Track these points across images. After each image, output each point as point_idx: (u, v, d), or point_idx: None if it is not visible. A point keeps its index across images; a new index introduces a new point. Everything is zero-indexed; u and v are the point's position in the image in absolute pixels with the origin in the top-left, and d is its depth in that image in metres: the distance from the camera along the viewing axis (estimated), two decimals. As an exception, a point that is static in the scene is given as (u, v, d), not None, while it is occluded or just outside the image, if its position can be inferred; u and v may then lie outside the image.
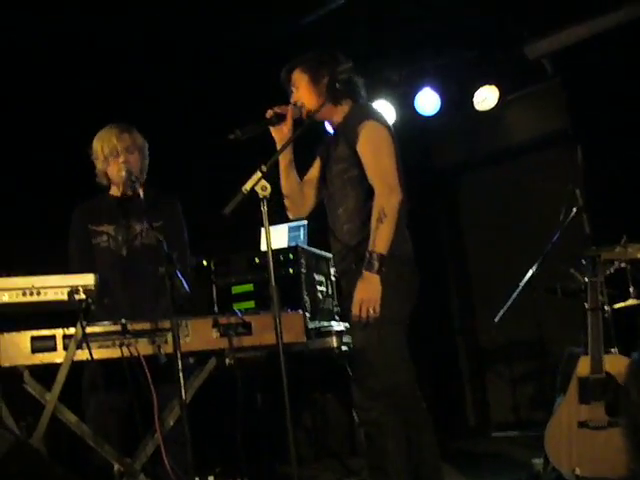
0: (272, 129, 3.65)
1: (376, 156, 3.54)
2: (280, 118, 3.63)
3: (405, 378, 3.57)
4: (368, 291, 3.41)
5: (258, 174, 3.18)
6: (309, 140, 3.74)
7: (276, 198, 3.51)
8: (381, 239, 3.41)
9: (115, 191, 4.04)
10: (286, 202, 3.81)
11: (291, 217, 3.89)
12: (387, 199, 3.46)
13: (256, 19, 5.65)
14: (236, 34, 5.72)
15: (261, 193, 3.18)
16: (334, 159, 3.68)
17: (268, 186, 3.18)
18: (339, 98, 3.69)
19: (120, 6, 5.14)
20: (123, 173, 3.86)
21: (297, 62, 3.76)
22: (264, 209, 3.22)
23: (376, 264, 3.39)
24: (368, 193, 3.54)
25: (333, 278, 5.14)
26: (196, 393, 3.62)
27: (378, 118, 3.66)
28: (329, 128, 3.87)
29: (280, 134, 3.65)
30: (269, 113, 3.63)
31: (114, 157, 3.93)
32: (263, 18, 5.66)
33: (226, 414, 3.85)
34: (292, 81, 3.75)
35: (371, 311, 3.41)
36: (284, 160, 3.69)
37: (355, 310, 3.44)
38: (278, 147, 3.65)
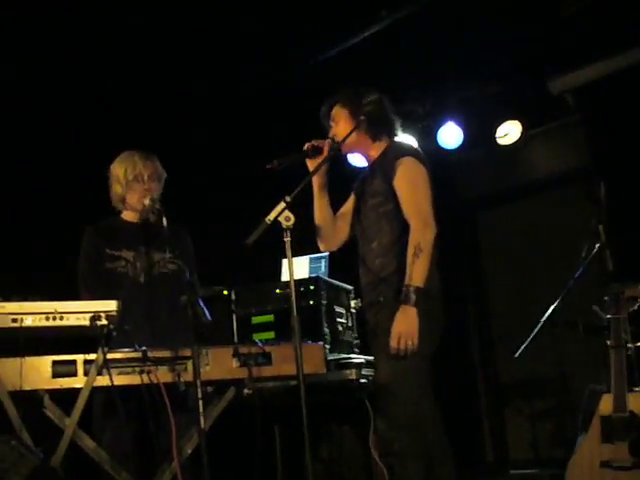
0: (308, 161, 3.74)
1: (413, 191, 3.64)
2: (317, 151, 3.72)
3: (429, 411, 3.57)
4: (407, 324, 3.46)
5: (282, 204, 3.20)
6: (344, 177, 3.82)
7: (299, 229, 3.54)
8: (417, 273, 3.48)
9: (131, 217, 4.05)
10: (318, 234, 3.88)
11: (322, 249, 4.03)
12: (422, 234, 3.53)
13: (273, 54, 5.70)
14: (252, 71, 5.77)
15: (284, 223, 3.20)
16: (370, 193, 3.76)
17: (292, 216, 3.20)
18: (378, 134, 3.81)
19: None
20: (147, 201, 3.87)
21: (338, 97, 3.86)
22: (287, 239, 3.23)
23: (413, 297, 3.45)
24: (403, 228, 3.62)
25: (353, 310, 5.12)
26: (215, 422, 3.60)
27: (416, 154, 3.75)
28: (363, 163, 3.93)
29: (315, 166, 3.72)
30: (307, 145, 3.72)
31: (138, 183, 3.95)
32: (280, 54, 5.70)
33: (244, 444, 3.84)
34: (332, 116, 3.84)
35: (409, 343, 3.45)
36: (319, 192, 3.81)
37: (394, 343, 3.47)
38: (313, 181, 3.75)
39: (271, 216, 3.18)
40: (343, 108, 3.80)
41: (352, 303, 5.11)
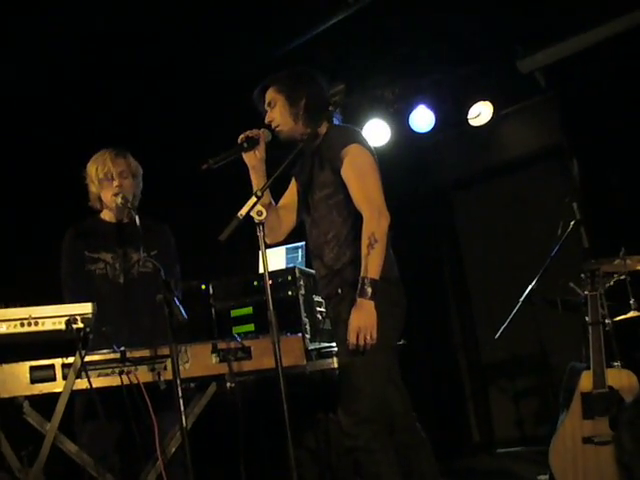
0: (244, 155, 3.57)
1: (362, 180, 3.49)
2: (253, 142, 3.55)
3: (397, 401, 3.55)
4: (364, 318, 3.34)
5: (253, 199, 3.18)
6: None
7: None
8: (373, 264, 3.35)
9: (108, 216, 4.02)
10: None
11: (268, 242, 3.73)
12: (377, 223, 3.40)
13: (245, 40, 5.66)
14: (220, 58, 5.73)
15: (257, 218, 3.17)
16: (317, 185, 3.60)
17: (264, 210, 3.18)
18: (317, 120, 3.60)
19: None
20: (119, 200, 3.84)
21: (273, 80, 3.66)
22: (260, 234, 3.22)
23: (369, 290, 3.33)
24: (355, 218, 3.50)
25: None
26: (199, 418, 3.60)
27: (361, 141, 3.58)
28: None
29: (253, 160, 3.57)
30: (241, 138, 3.55)
31: (108, 181, 3.92)
32: (252, 40, 5.66)
33: (228, 438, 3.84)
34: (266, 100, 3.66)
35: (368, 338, 3.34)
36: (258, 183, 3.59)
37: (352, 338, 3.36)
38: (251, 173, 3.59)
39: (243, 211, 3.15)
40: (279, 93, 3.62)
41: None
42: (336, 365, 4.57)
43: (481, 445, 7.10)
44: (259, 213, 3.16)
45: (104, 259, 3.93)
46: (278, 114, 3.62)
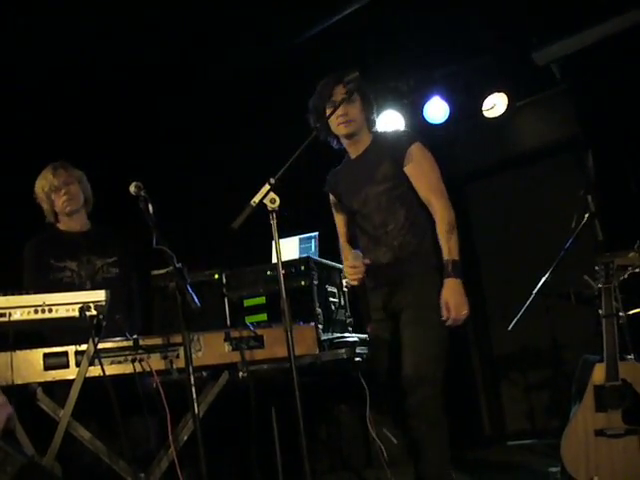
0: None
1: (430, 175, 3.84)
2: None
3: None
4: (456, 295, 3.64)
5: (267, 187, 3.18)
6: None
7: (288, 210, 3.51)
8: (454, 247, 3.69)
9: (67, 226, 4.28)
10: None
11: None
12: (450, 212, 3.77)
13: (256, 35, 5.66)
14: (237, 49, 5.73)
15: (270, 206, 3.18)
16: (375, 179, 3.83)
17: (277, 198, 3.18)
18: (374, 122, 3.96)
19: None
20: (68, 208, 4.18)
21: (349, 77, 3.74)
22: (273, 222, 3.22)
23: (456, 270, 3.65)
24: (416, 210, 3.83)
25: (345, 289, 5.12)
26: (211, 407, 3.61)
27: (422, 140, 3.89)
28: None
29: None
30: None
31: (56, 193, 4.21)
32: (266, 29, 5.66)
33: (240, 427, 3.85)
34: (341, 93, 3.77)
35: (462, 312, 3.65)
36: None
37: (447, 314, 3.62)
38: None
39: (256, 199, 3.16)
40: (357, 91, 3.79)
41: (344, 282, 5.11)
42: (348, 355, 4.57)
43: (493, 437, 7.09)
44: (272, 201, 3.16)
45: (70, 267, 4.14)
46: (357, 111, 3.85)
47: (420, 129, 6.57)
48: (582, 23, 5.83)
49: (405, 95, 6.48)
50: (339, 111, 3.76)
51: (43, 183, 4.24)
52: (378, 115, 4.06)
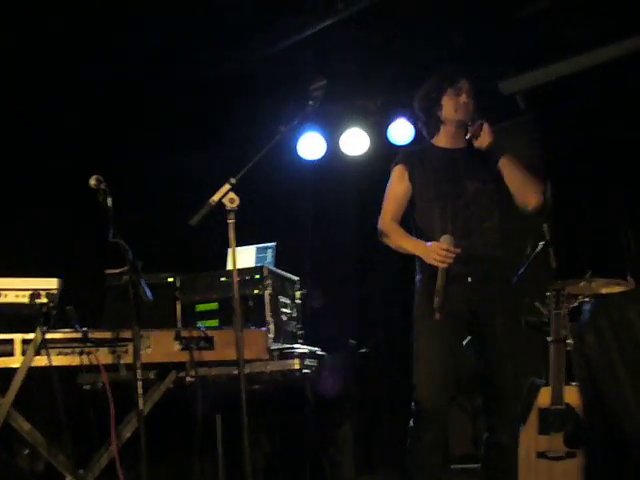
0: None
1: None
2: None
3: None
4: None
5: (226, 186, 3.18)
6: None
7: (246, 219, 3.50)
8: None
9: None
10: None
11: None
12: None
13: (228, 41, 5.66)
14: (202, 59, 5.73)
15: (228, 205, 3.18)
16: (479, 178, 3.90)
17: (236, 198, 3.18)
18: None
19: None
20: None
21: (468, 74, 4.00)
22: (231, 221, 3.22)
23: None
24: (500, 217, 3.93)
25: (299, 301, 5.13)
26: (155, 409, 3.59)
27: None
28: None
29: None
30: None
31: None
32: (234, 40, 5.67)
33: (185, 432, 3.82)
34: (466, 88, 3.94)
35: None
36: None
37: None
38: None
39: (215, 197, 3.16)
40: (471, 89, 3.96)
41: (297, 294, 5.13)
42: (297, 366, 4.56)
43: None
44: (231, 200, 3.16)
45: None
46: (472, 106, 3.94)
47: (384, 149, 6.63)
48: (549, 57, 5.93)
49: (371, 114, 6.53)
50: (463, 99, 3.90)
51: None
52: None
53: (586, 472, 3.79)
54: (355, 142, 6.50)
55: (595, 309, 4.09)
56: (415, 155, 4.06)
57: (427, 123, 4.05)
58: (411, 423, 3.73)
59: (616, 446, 3.79)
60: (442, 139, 4.01)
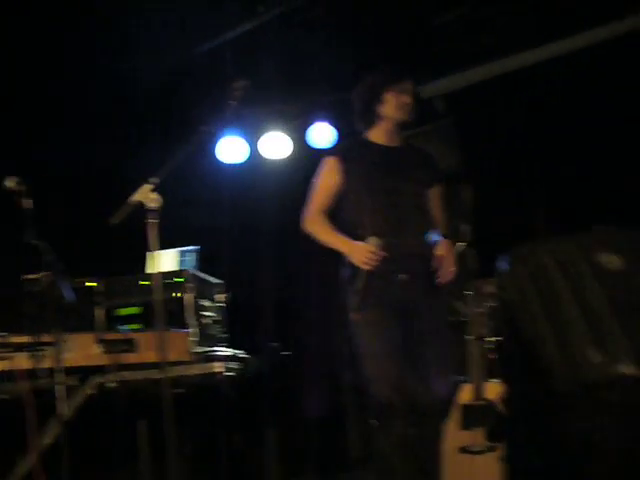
0: None
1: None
2: None
3: None
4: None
5: (146, 186, 3.16)
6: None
7: (170, 220, 3.48)
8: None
9: None
10: None
11: None
12: None
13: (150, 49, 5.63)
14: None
15: (149, 204, 3.15)
16: (414, 178, 3.96)
17: (157, 197, 3.15)
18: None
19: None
20: None
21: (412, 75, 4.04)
22: (151, 221, 3.18)
23: None
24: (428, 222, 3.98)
25: (222, 304, 5.12)
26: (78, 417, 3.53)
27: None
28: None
29: None
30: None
31: None
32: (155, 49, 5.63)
33: (107, 439, 3.77)
34: (410, 88, 3.98)
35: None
36: None
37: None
38: None
39: (135, 197, 3.13)
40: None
41: (222, 297, 5.11)
42: (220, 369, 4.53)
43: (359, 460, 7.12)
44: (152, 200, 3.14)
45: None
46: (412, 108, 3.99)
47: (304, 153, 6.64)
48: (468, 62, 6.04)
49: (291, 118, 6.53)
50: (406, 99, 3.92)
51: None
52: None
53: (507, 460, 3.85)
54: (275, 145, 6.49)
55: (512, 259, 4.15)
56: (352, 149, 4.05)
57: (363, 116, 4.04)
58: (374, 422, 3.70)
59: (535, 376, 3.83)
60: (378, 135, 4.01)
